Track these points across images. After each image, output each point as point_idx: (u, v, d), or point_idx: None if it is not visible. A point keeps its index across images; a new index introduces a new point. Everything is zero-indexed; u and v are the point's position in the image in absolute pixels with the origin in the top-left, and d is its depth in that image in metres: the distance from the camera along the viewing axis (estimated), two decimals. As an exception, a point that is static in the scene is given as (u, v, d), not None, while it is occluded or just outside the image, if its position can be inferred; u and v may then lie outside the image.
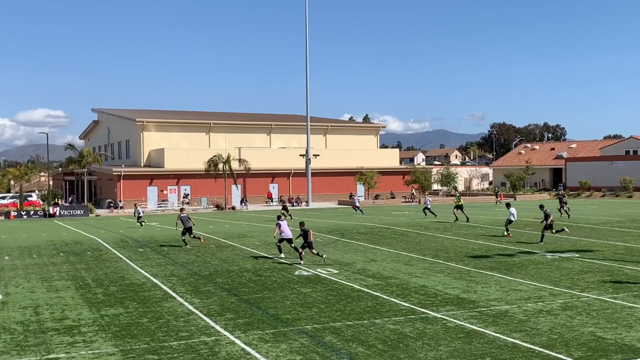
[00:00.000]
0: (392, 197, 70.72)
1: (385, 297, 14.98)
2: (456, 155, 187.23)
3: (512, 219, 28.12)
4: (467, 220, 35.36)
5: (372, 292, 15.62)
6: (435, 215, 39.40)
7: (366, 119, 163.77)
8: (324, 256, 20.76)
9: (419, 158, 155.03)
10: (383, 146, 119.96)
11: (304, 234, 20.68)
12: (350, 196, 67.36)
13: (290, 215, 41.41)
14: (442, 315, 13.05)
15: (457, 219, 36.11)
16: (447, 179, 74.19)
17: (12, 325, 12.73)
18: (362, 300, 14.61)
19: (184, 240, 25.60)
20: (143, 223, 38.32)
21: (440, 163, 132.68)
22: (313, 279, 17.73)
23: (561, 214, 38.20)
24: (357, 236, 29.32)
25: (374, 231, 31.76)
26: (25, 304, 14.86)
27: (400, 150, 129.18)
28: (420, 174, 69.64)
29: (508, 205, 29.09)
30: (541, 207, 26.74)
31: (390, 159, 79.49)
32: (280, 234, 21.76)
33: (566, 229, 26.69)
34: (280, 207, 47.41)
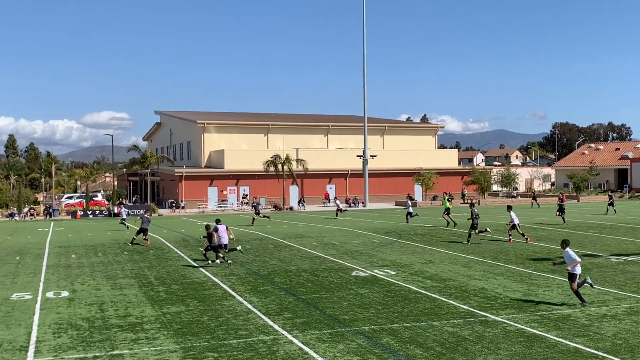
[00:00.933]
0: (451, 198, 69.85)
1: (443, 299, 14.84)
2: (517, 156, 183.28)
3: (516, 223, 26.57)
4: (455, 225, 33.71)
5: (430, 294, 15.49)
6: (413, 217, 38.22)
7: (424, 119, 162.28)
8: (229, 261, 20.93)
9: (478, 158, 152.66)
10: (441, 147, 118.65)
11: (208, 236, 20.82)
12: (408, 197, 66.95)
13: (267, 217, 41.94)
14: (502, 318, 12.84)
15: (448, 224, 34.38)
16: (508, 180, 72.77)
17: (78, 321, 13.19)
18: (420, 302, 14.51)
19: (134, 239, 25.89)
20: (126, 225, 36.57)
21: (500, 164, 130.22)
22: (370, 280, 17.71)
23: (606, 212, 41.09)
24: (415, 237, 29.11)
25: (432, 232, 31.46)
26: (90, 301, 15.38)
27: (458, 150, 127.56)
28: (480, 175, 68.61)
29: (509, 208, 27.58)
30: (472, 205, 28.68)
31: (449, 159, 78.51)
32: (219, 238, 21.17)
33: (489, 230, 28.50)
34: (252, 208, 45.47)
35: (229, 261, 21.01)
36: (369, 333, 11.87)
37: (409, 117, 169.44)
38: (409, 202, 39.90)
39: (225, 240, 21.63)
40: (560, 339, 11.21)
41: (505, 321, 12.59)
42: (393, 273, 18.72)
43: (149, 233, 27.72)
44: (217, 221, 22.32)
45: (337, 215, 44.91)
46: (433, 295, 15.33)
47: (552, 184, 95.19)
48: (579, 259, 13.80)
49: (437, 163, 73.35)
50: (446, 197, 38.28)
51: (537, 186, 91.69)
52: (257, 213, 40.58)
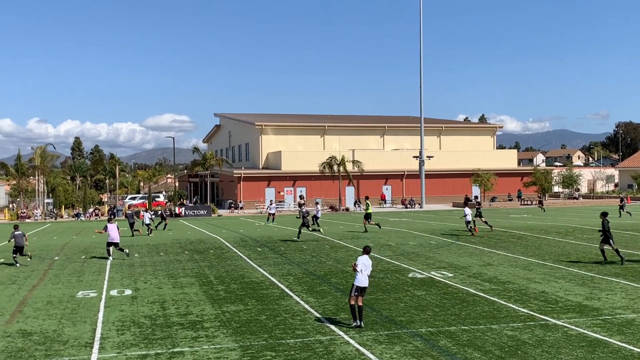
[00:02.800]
0: (510, 200, 68.55)
1: (502, 302, 14.62)
2: (579, 156, 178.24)
3: (469, 219, 30.52)
4: (366, 231, 33.17)
5: (488, 296, 15.28)
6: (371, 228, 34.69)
7: (482, 119, 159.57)
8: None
9: (539, 159, 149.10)
10: (500, 147, 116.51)
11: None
12: (466, 199, 66.05)
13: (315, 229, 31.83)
14: (563, 322, 12.56)
15: (366, 230, 33.55)
16: (569, 181, 70.89)
17: (140, 319, 13.57)
18: (478, 305, 14.33)
19: (14, 258, 22.48)
20: (149, 229, 36.10)
21: (561, 164, 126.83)
22: (427, 281, 17.59)
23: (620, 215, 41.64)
24: (472, 239, 28.72)
25: (490, 234, 30.96)
26: (152, 299, 15.79)
27: (518, 151, 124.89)
28: (541, 175, 67.08)
29: (466, 202, 29.63)
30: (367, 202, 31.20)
31: (508, 160, 76.98)
32: (108, 236, 23.62)
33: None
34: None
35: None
36: (426, 335, 11.81)
37: (467, 118, 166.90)
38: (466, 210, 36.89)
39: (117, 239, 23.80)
40: (624, 344, 10.90)
41: (567, 325, 12.32)
42: (450, 275, 18.54)
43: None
44: (110, 220, 24.71)
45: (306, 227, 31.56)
46: (492, 298, 15.11)
47: (616, 185, 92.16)
48: None
49: (495, 164, 72.10)
50: (367, 202, 35.24)
51: (600, 187, 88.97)
52: (304, 224, 30.74)
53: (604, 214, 20.59)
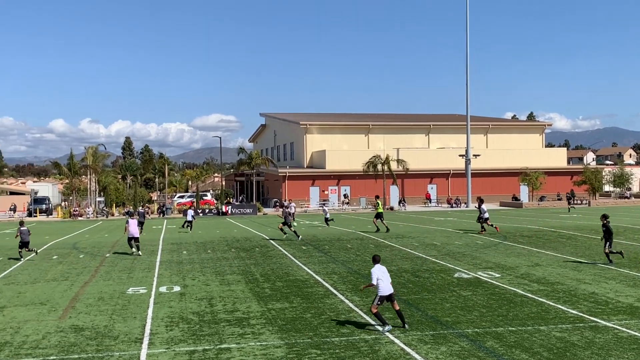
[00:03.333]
0: (559, 199, 67.19)
1: (551, 303, 14.37)
2: (630, 154, 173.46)
3: (487, 216, 31.42)
4: (388, 231, 32.47)
5: (536, 297, 15.04)
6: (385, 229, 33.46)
7: (530, 117, 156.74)
8: None
9: (589, 157, 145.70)
10: (549, 145, 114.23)
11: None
12: (514, 198, 65.03)
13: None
14: (614, 324, 12.29)
15: (378, 229, 33.07)
16: (621, 180, 69.07)
17: (189, 315, 13.82)
18: (526, 306, 14.12)
19: (20, 252, 24.14)
20: (190, 227, 36.86)
21: (612, 163, 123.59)
22: (473, 282, 17.42)
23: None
24: (520, 239, 28.28)
25: (539, 234, 30.42)
26: (200, 295, 16.05)
27: (567, 149, 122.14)
28: (591, 174, 65.56)
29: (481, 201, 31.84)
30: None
31: (557, 158, 75.46)
32: (128, 232, 24.51)
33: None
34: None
35: None
36: (472, 336, 11.71)
37: (514, 115, 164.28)
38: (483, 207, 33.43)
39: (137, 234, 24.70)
40: (678, 349, 10.59)
41: (617, 327, 12.04)
42: (497, 275, 18.31)
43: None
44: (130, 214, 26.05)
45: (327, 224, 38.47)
46: (540, 299, 14.87)
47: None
48: None
49: (544, 162, 70.79)
50: (378, 201, 35.13)
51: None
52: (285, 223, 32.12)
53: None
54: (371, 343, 11.29)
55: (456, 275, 18.58)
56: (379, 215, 33.68)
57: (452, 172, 67.92)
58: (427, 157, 69.17)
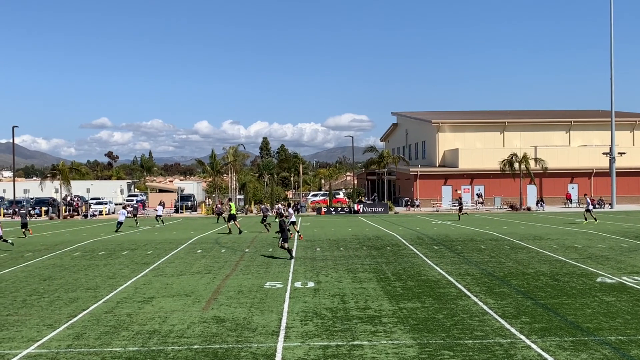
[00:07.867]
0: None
1: None
2: None
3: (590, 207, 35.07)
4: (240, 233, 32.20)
5: (689, 306, 13.96)
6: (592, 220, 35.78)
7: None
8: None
9: None
10: None
11: None
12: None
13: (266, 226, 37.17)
14: None
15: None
16: None
17: (322, 311, 14.16)
18: (677, 315, 13.16)
19: (24, 232, 33.24)
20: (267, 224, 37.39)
21: None
22: (618, 287, 16.46)
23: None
24: (673, 243, 26.26)
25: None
26: (333, 292, 16.40)
27: None
28: None
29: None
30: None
31: None
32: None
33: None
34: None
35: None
36: (616, 344, 11.11)
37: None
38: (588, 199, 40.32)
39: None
40: None
41: None
42: (645, 281, 17.17)
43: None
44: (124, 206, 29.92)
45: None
46: (693, 308, 13.79)
47: None
48: None
49: (701, 160, 65.08)
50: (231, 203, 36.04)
51: None
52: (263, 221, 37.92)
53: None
54: (506, 347, 11.03)
55: (599, 279, 17.64)
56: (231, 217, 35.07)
57: (594, 171, 64.28)
58: (567, 155, 65.92)
